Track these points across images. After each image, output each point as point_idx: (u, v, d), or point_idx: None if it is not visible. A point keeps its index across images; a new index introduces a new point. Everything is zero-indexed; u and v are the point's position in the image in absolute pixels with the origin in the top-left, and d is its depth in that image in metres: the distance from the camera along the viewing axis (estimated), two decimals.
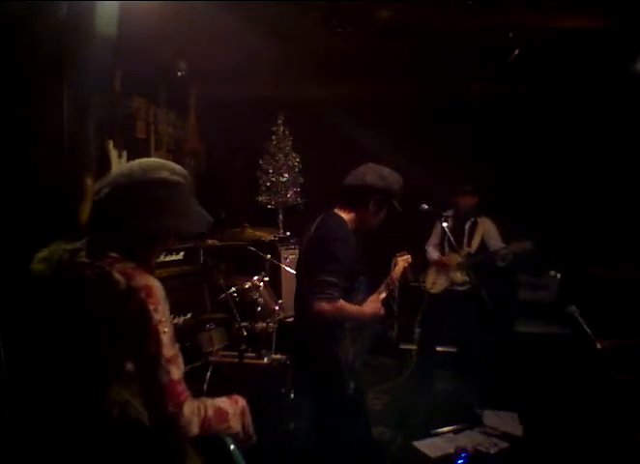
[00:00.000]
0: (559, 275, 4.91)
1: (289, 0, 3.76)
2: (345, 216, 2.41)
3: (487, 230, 4.37)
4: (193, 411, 1.35)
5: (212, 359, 3.57)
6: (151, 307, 1.32)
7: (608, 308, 4.11)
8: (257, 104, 5.30)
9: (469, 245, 4.35)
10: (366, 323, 2.43)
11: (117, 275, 1.32)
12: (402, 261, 2.75)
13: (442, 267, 4.38)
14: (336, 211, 2.44)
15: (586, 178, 5.03)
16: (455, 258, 4.28)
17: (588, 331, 2.52)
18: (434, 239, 4.60)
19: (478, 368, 4.09)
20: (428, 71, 4.97)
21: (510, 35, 4.12)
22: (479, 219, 4.40)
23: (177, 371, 1.34)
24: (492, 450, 3.32)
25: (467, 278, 4.21)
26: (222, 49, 4.24)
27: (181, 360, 1.37)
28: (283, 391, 3.37)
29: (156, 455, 1.38)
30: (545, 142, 5.17)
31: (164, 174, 1.45)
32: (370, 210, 2.42)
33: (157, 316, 1.32)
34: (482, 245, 4.35)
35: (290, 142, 5.53)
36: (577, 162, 5.05)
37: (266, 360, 3.49)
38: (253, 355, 3.54)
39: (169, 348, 1.33)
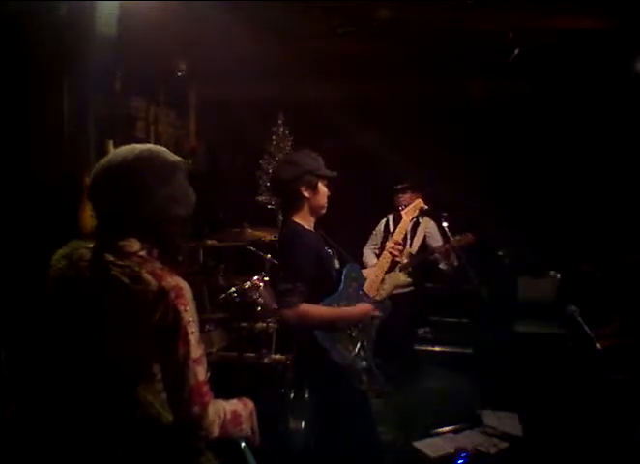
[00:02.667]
0: (559, 276, 4.90)
1: (289, 0, 3.76)
2: (296, 218, 2.40)
3: (429, 230, 4.27)
4: (216, 412, 1.36)
5: (212, 359, 3.57)
6: (181, 308, 1.31)
7: (607, 308, 4.10)
8: (257, 104, 5.30)
9: (410, 245, 4.22)
10: (351, 323, 2.38)
11: (147, 276, 1.31)
12: (408, 213, 2.70)
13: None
14: (289, 217, 2.43)
15: (586, 178, 5.03)
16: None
17: (588, 331, 2.52)
18: (374, 238, 4.47)
19: (478, 368, 4.09)
20: (428, 71, 4.97)
21: (510, 35, 4.12)
22: (420, 219, 4.29)
23: (203, 372, 1.35)
24: (492, 450, 3.32)
25: (410, 280, 4.10)
26: (222, 49, 4.24)
27: (205, 360, 1.37)
28: (283, 391, 3.36)
29: (174, 454, 1.39)
30: (545, 142, 5.17)
31: (175, 158, 1.46)
32: (308, 196, 2.39)
33: (186, 317, 1.32)
34: (425, 245, 4.27)
35: (290, 142, 5.53)
36: (577, 162, 5.05)
37: (266, 360, 3.49)
38: (253, 355, 3.54)
39: (197, 349, 1.34)
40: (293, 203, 2.42)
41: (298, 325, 2.23)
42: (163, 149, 1.47)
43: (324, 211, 2.47)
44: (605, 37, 4.15)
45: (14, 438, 2.33)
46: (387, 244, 2.62)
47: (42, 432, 1.54)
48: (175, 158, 1.46)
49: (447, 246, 4.05)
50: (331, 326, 2.31)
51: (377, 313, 2.46)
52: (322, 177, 2.42)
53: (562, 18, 4.05)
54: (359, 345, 2.37)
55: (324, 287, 2.31)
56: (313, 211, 2.43)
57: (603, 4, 3.85)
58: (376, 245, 4.45)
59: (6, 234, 2.80)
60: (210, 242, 4.07)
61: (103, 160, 1.43)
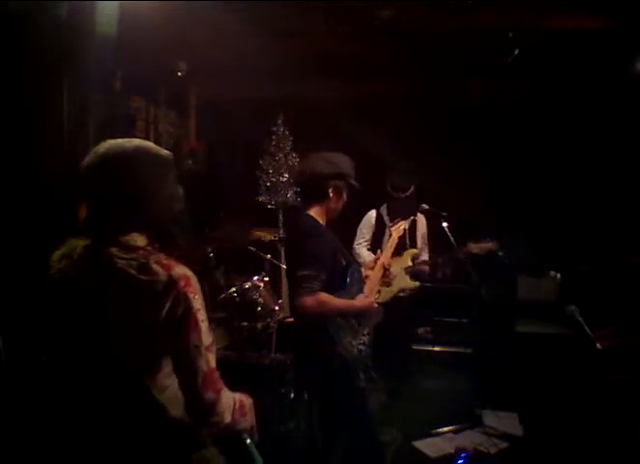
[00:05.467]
0: (559, 275, 4.90)
1: (289, 0, 3.76)
2: (311, 212, 2.42)
3: (424, 229, 4.18)
4: (228, 399, 1.38)
5: None
6: (191, 296, 1.32)
7: (607, 308, 4.10)
8: (257, 104, 5.30)
9: (412, 245, 4.07)
10: (359, 315, 2.42)
11: (155, 266, 1.31)
12: (396, 231, 2.84)
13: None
14: (303, 210, 2.45)
15: (586, 178, 5.03)
16: (403, 261, 3.90)
17: (588, 331, 2.52)
18: (365, 234, 4.22)
19: (478, 368, 4.09)
20: (428, 71, 4.97)
21: (510, 35, 4.12)
22: (416, 217, 4.16)
23: (213, 359, 1.36)
24: (492, 450, 3.32)
25: (417, 284, 3.89)
26: (222, 49, 4.24)
27: (215, 348, 1.39)
28: (283, 391, 3.37)
29: (178, 448, 1.40)
30: (545, 142, 5.17)
31: (166, 152, 1.45)
32: (331, 197, 2.43)
33: (196, 305, 1.34)
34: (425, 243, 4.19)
35: (290, 142, 5.53)
36: (577, 162, 5.05)
37: (266, 360, 3.49)
38: (253, 355, 3.54)
39: (207, 336, 1.35)
40: (313, 198, 2.44)
41: (315, 312, 2.21)
42: (152, 144, 1.45)
43: (336, 216, 2.51)
44: (605, 37, 4.15)
45: (14, 437, 2.33)
46: (380, 254, 2.69)
47: (44, 428, 1.53)
48: (166, 152, 1.45)
49: (465, 248, 3.89)
50: (342, 316, 2.35)
51: (377, 308, 2.49)
52: (350, 185, 2.48)
53: (562, 18, 4.05)
54: (361, 342, 2.40)
55: (333, 283, 2.32)
56: (328, 212, 2.46)
57: (603, 4, 3.85)
58: (367, 241, 4.24)
59: (6, 234, 2.80)
60: (210, 242, 4.07)
61: (94, 158, 1.37)
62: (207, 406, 1.33)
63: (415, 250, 4.07)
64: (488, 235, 3.95)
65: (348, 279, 2.41)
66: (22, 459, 2.21)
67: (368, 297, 2.51)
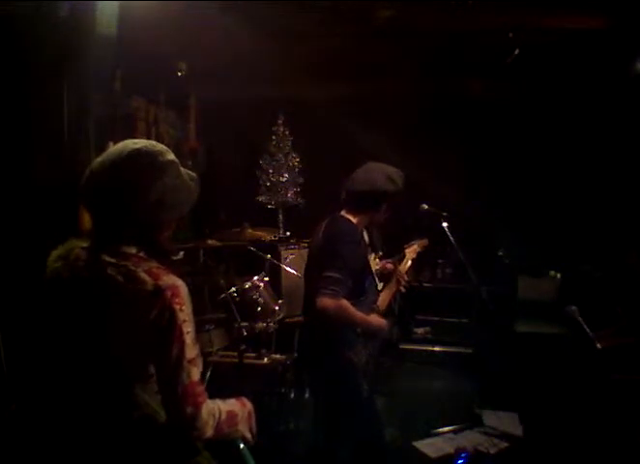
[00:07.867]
0: (559, 275, 4.90)
1: (289, 0, 3.76)
2: (353, 218, 2.42)
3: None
4: (210, 413, 1.35)
5: (212, 359, 3.57)
6: (177, 307, 1.31)
7: (607, 308, 4.10)
8: (257, 104, 5.30)
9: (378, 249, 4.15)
10: (368, 332, 2.42)
11: (143, 275, 1.30)
12: (410, 252, 2.87)
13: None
14: (343, 214, 2.44)
15: (586, 178, 5.03)
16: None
17: (588, 331, 2.52)
18: None
19: (478, 368, 4.08)
20: (428, 71, 4.97)
21: (510, 35, 4.13)
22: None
23: (197, 372, 1.34)
24: (492, 450, 3.32)
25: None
26: (222, 49, 4.24)
27: (200, 360, 1.37)
28: (283, 391, 3.37)
29: (170, 453, 1.39)
30: (545, 142, 5.17)
31: (165, 158, 1.40)
32: (381, 212, 2.45)
33: (182, 316, 1.31)
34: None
35: (290, 142, 5.53)
36: (577, 162, 5.05)
37: (266, 360, 3.49)
38: (253, 355, 3.54)
39: (191, 349, 1.33)
40: (362, 208, 2.42)
41: (332, 316, 2.20)
42: (154, 150, 1.40)
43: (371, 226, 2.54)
44: (605, 37, 4.15)
45: (14, 438, 2.33)
46: (397, 270, 2.73)
47: (40, 432, 1.54)
48: (165, 158, 1.39)
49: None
50: (354, 326, 2.35)
51: (387, 328, 2.49)
52: (395, 204, 2.47)
53: (561, 18, 4.05)
54: (369, 352, 2.42)
55: (354, 290, 2.31)
56: (368, 221, 2.47)
57: (603, 4, 3.85)
58: None
59: (6, 234, 2.80)
60: (210, 242, 4.07)
61: (97, 159, 1.41)
62: (186, 419, 1.31)
63: (380, 255, 4.12)
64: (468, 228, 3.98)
65: (367, 289, 2.42)
66: (22, 458, 2.21)
67: (381, 305, 2.53)
